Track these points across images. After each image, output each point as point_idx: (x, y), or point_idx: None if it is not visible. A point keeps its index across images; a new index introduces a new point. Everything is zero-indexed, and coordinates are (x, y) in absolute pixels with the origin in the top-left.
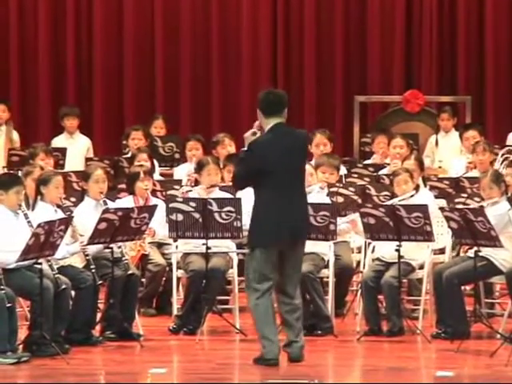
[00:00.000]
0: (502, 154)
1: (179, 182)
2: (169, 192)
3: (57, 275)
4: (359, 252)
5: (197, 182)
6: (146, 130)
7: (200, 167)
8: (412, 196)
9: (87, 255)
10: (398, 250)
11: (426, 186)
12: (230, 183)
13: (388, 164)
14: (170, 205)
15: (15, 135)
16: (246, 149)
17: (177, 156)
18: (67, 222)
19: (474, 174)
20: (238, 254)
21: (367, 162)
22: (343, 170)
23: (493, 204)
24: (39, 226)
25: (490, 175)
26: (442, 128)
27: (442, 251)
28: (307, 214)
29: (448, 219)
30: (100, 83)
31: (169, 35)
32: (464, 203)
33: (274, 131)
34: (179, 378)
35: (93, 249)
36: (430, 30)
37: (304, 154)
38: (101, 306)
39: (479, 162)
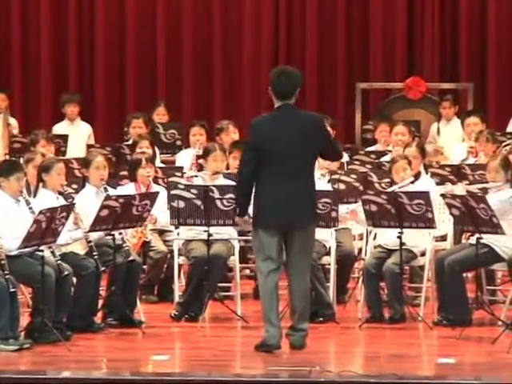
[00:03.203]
0: (505, 145)
1: (181, 168)
2: (170, 179)
3: (59, 261)
4: (361, 239)
5: (200, 168)
6: (147, 116)
7: (206, 153)
8: (412, 182)
9: (90, 242)
10: (399, 237)
11: (427, 173)
12: (236, 170)
13: (390, 151)
14: (172, 192)
15: (13, 121)
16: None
17: (178, 143)
18: (69, 208)
19: (476, 160)
20: (239, 241)
21: (369, 148)
22: (345, 157)
23: (497, 190)
24: (41, 212)
25: (499, 159)
26: (444, 116)
27: (443, 238)
28: (308, 200)
29: (450, 206)
30: (102, 70)
31: (171, 21)
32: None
33: (277, 112)
34: (181, 364)
35: (94, 236)
36: (431, 17)
37: (313, 137)
38: (102, 292)
39: (482, 151)
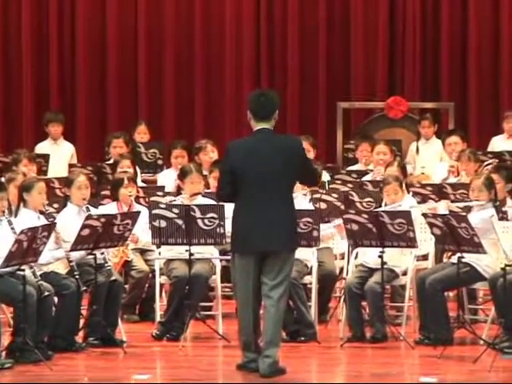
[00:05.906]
0: (487, 164)
1: (162, 188)
2: (152, 198)
3: (40, 282)
4: (342, 258)
5: (179, 189)
6: (127, 136)
7: (183, 175)
8: (400, 206)
9: (71, 261)
10: (381, 257)
11: (408, 192)
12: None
13: (371, 170)
14: (153, 211)
15: None
16: None
17: (159, 162)
18: (50, 228)
19: (458, 179)
20: (220, 260)
21: (350, 168)
22: (326, 177)
23: (480, 208)
24: (22, 232)
25: (483, 178)
26: (423, 135)
27: (425, 257)
28: (286, 225)
29: (431, 225)
30: (83, 89)
31: (152, 41)
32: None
33: (255, 136)
34: None
35: (76, 255)
36: (413, 36)
37: (291, 162)
38: (84, 312)
39: (463, 170)
